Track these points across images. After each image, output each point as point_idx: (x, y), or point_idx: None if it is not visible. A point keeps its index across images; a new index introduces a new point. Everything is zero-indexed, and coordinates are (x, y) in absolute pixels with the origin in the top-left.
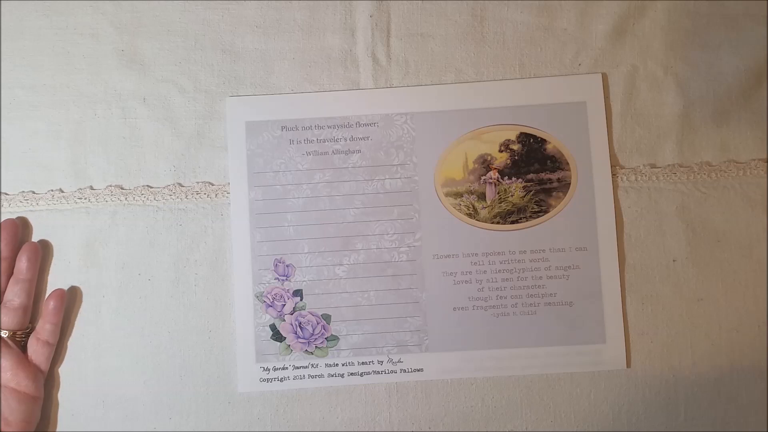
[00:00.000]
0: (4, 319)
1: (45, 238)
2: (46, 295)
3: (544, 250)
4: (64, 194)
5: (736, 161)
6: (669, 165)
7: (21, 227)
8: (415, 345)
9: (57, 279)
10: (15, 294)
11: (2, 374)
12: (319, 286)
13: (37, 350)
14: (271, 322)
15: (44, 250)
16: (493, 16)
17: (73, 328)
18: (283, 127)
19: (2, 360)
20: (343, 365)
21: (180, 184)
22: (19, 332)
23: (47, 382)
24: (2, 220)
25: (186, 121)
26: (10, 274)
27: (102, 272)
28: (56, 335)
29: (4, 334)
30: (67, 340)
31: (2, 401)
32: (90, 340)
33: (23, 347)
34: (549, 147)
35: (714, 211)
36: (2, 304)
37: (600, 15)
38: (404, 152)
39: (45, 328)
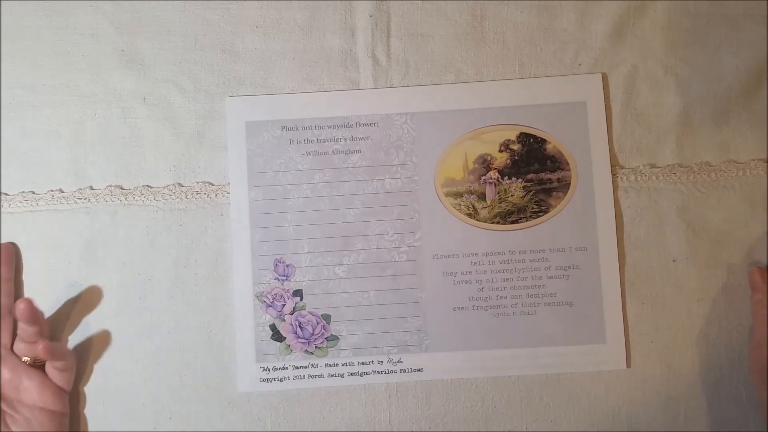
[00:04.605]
0: (23, 348)
1: (47, 242)
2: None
3: (544, 250)
4: (64, 194)
5: (736, 161)
6: (669, 165)
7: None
8: (415, 345)
9: (57, 279)
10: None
11: (30, 395)
12: (319, 286)
13: (55, 374)
14: (271, 322)
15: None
16: (493, 16)
17: (73, 328)
18: (283, 127)
19: (28, 382)
20: (343, 365)
21: (180, 184)
22: (39, 358)
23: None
24: (2, 225)
25: (186, 121)
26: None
27: (102, 272)
28: (68, 366)
29: (26, 360)
30: (68, 343)
31: (32, 419)
32: (90, 341)
33: (45, 368)
34: (549, 147)
35: (714, 211)
36: (19, 338)
37: (600, 15)
38: (404, 152)
39: (53, 363)
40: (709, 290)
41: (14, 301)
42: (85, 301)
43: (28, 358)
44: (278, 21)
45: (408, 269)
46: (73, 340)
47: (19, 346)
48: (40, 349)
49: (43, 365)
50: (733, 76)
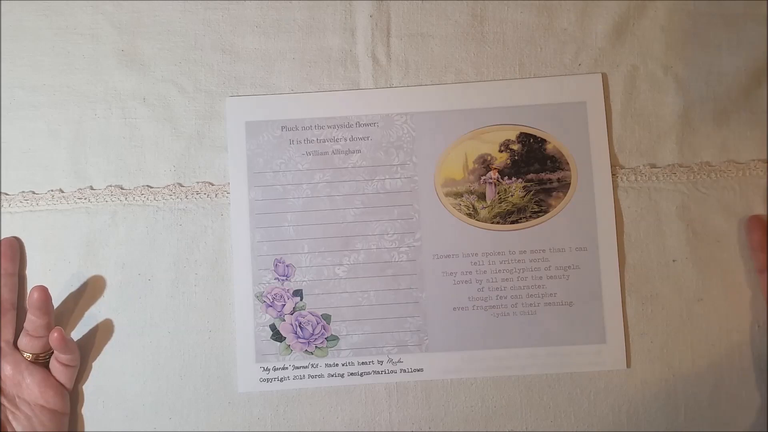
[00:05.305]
0: (27, 343)
1: (47, 242)
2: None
3: (544, 250)
4: (64, 194)
5: (736, 161)
6: (669, 165)
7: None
8: (415, 345)
9: (57, 279)
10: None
11: (31, 392)
12: (319, 286)
13: (59, 370)
14: (271, 322)
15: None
16: (493, 16)
17: (74, 326)
18: (283, 127)
19: (30, 378)
20: (343, 365)
21: (180, 184)
22: (41, 354)
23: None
24: (2, 225)
25: (186, 121)
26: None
27: (102, 272)
28: (74, 361)
29: (28, 357)
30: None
31: (33, 417)
32: (90, 341)
33: (47, 366)
34: (549, 147)
35: (714, 211)
36: (24, 332)
37: (600, 15)
38: (404, 152)
39: (60, 357)
40: (709, 290)
41: (16, 297)
42: (84, 299)
43: (30, 355)
44: (278, 21)
45: (408, 269)
46: (73, 338)
47: (23, 341)
48: (55, 337)
49: (46, 363)
50: (733, 76)
